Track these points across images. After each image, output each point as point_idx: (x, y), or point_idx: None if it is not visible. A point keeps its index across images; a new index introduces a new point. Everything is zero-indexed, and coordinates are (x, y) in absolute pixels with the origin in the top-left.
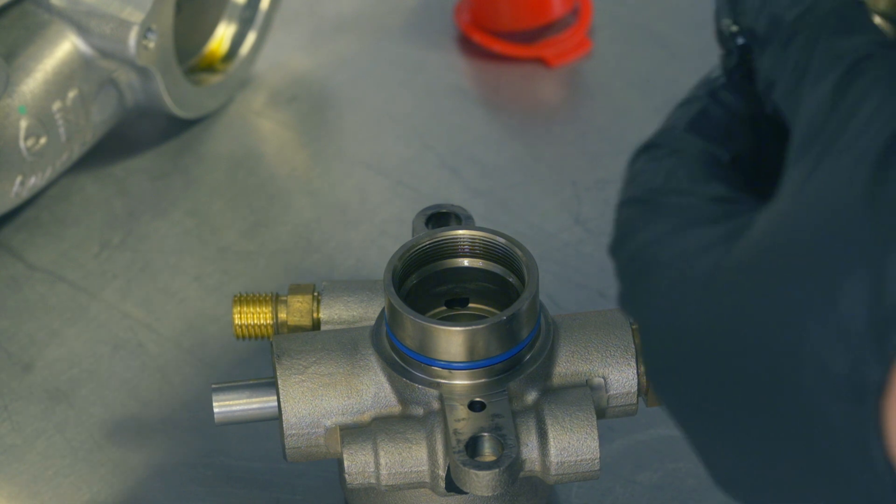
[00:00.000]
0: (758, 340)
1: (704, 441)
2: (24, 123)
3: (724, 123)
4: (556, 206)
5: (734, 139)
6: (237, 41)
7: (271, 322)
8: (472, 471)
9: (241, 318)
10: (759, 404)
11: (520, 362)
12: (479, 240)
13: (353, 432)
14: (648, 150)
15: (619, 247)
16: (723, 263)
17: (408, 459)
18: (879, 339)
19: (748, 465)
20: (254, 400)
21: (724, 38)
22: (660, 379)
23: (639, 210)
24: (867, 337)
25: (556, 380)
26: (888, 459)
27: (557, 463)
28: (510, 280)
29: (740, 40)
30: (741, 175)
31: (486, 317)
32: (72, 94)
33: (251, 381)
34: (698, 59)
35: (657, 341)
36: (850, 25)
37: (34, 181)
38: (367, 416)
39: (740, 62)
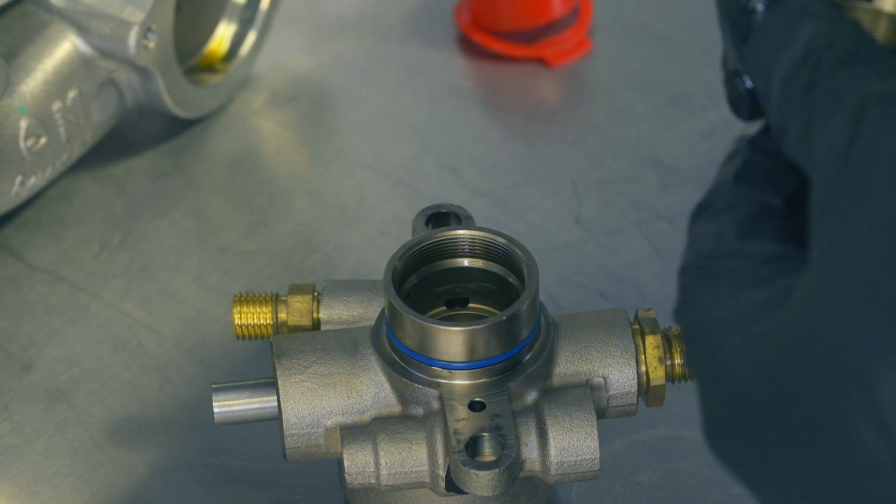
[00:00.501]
0: (805, 413)
1: (769, 496)
2: (24, 123)
3: (768, 168)
4: (556, 206)
5: (782, 181)
6: (237, 41)
7: (271, 322)
8: (472, 471)
9: (241, 318)
10: (813, 468)
11: (520, 362)
12: (479, 240)
13: (353, 432)
14: (704, 211)
15: (683, 312)
16: (772, 328)
17: (408, 459)
18: None
19: None
20: (254, 400)
21: (731, 85)
22: (721, 436)
23: (694, 277)
24: None
25: (556, 380)
26: None
27: (557, 463)
28: (510, 280)
29: (748, 83)
30: (796, 215)
31: (486, 317)
32: (72, 94)
33: (251, 381)
34: (698, 59)
35: (719, 402)
36: (849, 56)
37: (34, 181)
38: (367, 416)
39: (752, 110)
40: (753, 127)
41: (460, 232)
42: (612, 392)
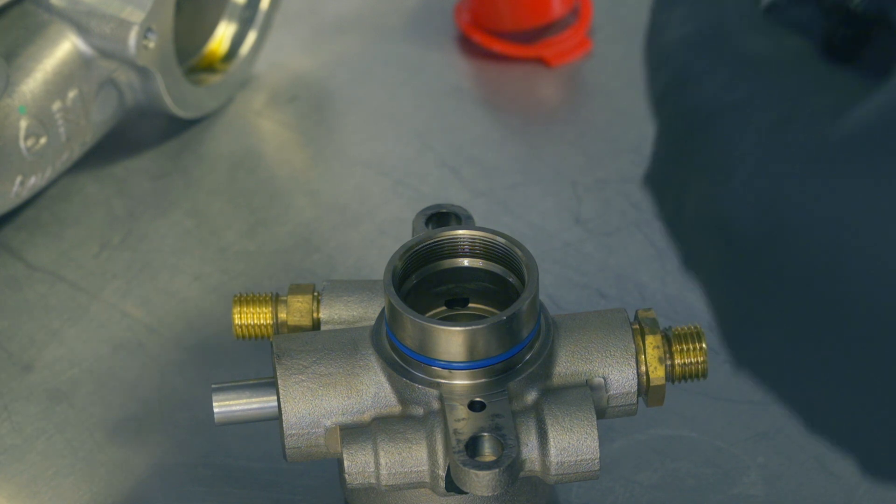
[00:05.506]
0: (843, 232)
1: (727, 311)
2: (24, 123)
3: None
4: (556, 206)
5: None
6: (237, 41)
7: (271, 322)
8: (472, 471)
9: (241, 318)
10: (815, 292)
11: (520, 362)
12: (479, 240)
13: (353, 432)
14: None
15: (668, 87)
16: (829, 138)
17: (408, 459)
18: None
19: (773, 344)
20: (254, 400)
21: None
22: (693, 240)
23: (697, 52)
24: None
25: (556, 380)
26: None
27: (557, 463)
28: (510, 280)
29: None
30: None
31: (486, 317)
32: (72, 94)
33: (251, 381)
34: None
35: (708, 201)
36: None
37: (34, 181)
38: (367, 416)
39: None
40: None
41: (460, 232)
42: (612, 392)
